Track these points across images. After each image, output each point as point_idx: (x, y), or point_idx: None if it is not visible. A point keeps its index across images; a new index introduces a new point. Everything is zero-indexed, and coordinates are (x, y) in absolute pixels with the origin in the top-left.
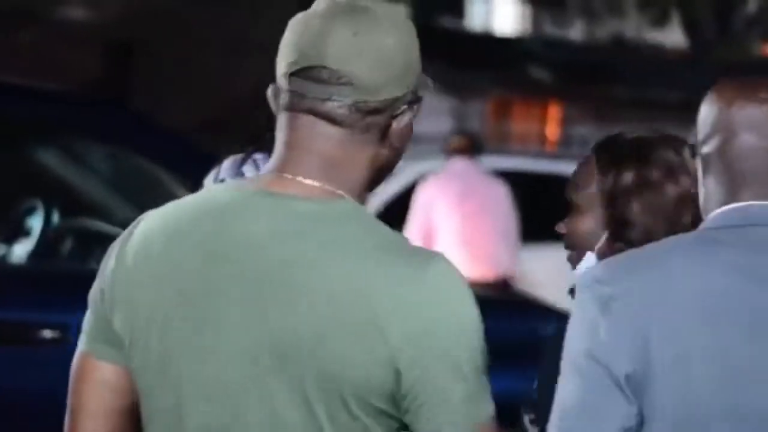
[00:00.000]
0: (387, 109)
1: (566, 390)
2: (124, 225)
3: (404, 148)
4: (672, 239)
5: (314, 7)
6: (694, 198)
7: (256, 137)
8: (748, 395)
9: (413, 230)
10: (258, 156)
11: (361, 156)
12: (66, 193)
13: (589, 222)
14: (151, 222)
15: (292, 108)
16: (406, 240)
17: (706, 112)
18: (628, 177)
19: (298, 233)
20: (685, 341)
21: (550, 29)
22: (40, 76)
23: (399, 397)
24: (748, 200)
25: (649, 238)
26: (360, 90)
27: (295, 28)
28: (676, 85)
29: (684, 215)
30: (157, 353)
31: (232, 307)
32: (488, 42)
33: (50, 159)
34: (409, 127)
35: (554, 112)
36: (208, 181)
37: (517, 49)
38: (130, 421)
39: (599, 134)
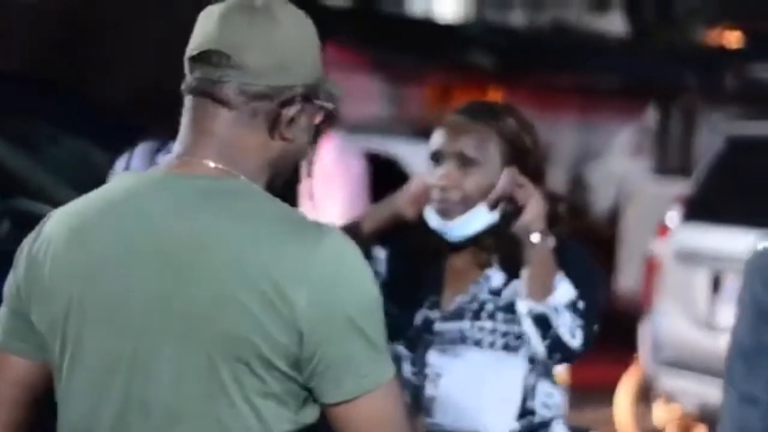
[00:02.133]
0: (273, 97)
1: None
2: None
3: (301, 143)
4: None
5: (224, 2)
6: None
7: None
8: None
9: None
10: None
11: (252, 141)
12: (2, 174)
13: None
14: (60, 216)
15: (191, 91)
16: (301, 214)
17: None
18: None
19: (198, 208)
20: None
21: (491, 15)
22: None
23: (303, 360)
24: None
25: None
26: (245, 73)
27: (201, 17)
28: (616, 71)
29: None
30: (74, 337)
31: (141, 283)
32: (429, 27)
33: None
34: (306, 123)
35: (495, 97)
36: (119, 165)
37: (458, 35)
38: (34, 412)
39: (540, 119)
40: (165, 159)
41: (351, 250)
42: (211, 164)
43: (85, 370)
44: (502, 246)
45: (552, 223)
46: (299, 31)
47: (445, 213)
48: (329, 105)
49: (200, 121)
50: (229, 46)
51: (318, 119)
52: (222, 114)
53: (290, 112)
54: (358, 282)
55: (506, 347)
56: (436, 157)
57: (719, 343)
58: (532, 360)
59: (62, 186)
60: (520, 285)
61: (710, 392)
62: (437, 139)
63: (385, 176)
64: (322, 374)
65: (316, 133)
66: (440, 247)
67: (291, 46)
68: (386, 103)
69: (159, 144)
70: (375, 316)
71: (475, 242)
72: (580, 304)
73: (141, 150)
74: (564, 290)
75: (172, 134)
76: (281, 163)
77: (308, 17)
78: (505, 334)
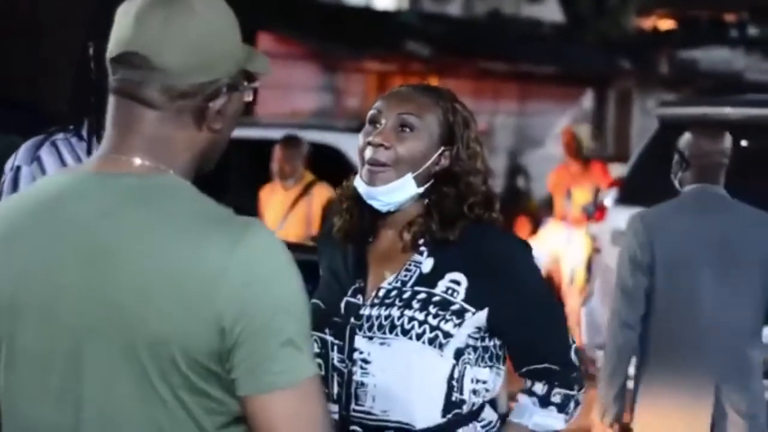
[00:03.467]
0: (197, 94)
1: None
2: None
3: (228, 131)
4: None
5: None
6: None
7: (71, 118)
8: None
9: None
10: (59, 137)
11: (179, 137)
12: None
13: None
14: None
15: (115, 91)
16: (226, 210)
17: None
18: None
19: (123, 208)
20: None
21: (428, 4)
22: None
23: (225, 355)
24: None
25: None
26: (167, 75)
27: (118, 16)
28: (552, 59)
29: None
30: (6, 338)
31: (69, 284)
32: (366, 16)
33: None
34: (233, 111)
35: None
36: (7, 166)
37: (395, 24)
38: None
39: (478, 107)
40: (56, 156)
41: (274, 245)
42: (138, 161)
43: (21, 373)
44: (432, 228)
45: (487, 220)
46: (219, 19)
47: (374, 177)
48: (255, 86)
49: (125, 121)
50: (148, 47)
51: (244, 100)
52: (147, 114)
53: (217, 105)
54: (280, 277)
55: (433, 342)
56: (374, 120)
57: None
58: (458, 355)
59: None
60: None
61: None
62: (378, 103)
63: (329, 166)
64: (240, 368)
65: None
66: (367, 229)
67: (212, 38)
68: (323, 92)
69: (43, 138)
70: (296, 312)
71: (404, 225)
72: (556, 398)
73: (26, 146)
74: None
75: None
76: (209, 153)
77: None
78: (434, 329)
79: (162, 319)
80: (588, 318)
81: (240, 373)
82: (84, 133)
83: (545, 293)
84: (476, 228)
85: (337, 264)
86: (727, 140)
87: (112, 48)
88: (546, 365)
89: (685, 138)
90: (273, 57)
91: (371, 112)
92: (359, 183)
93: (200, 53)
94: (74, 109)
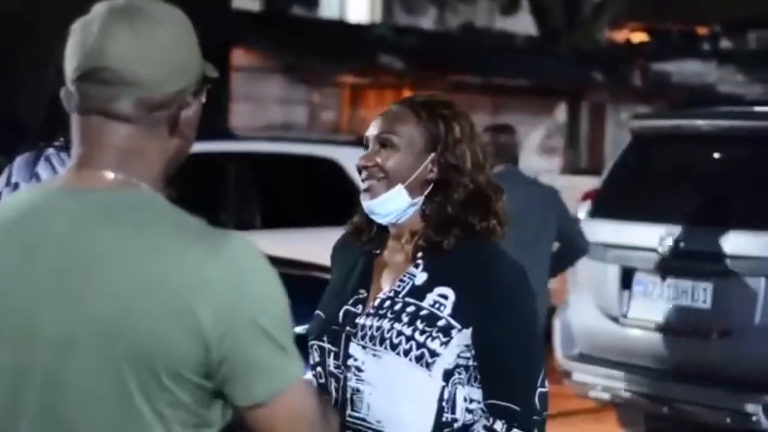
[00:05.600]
0: (172, 102)
1: None
2: None
3: (194, 135)
4: None
5: (92, 11)
6: None
7: (47, 134)
8: None
9: None
10: (50, 152)
11: (154, 148)
12: None
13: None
14: None
15: (82, 111)
16: (201, 222)
17: None
18: None
19: (98, 222)
20: None
21: (401, 17)
22: None
23: (212, 368)
24: None
25: None
26: (142, 87)
27: (76, 34)
28: (525, 72)
29: None
30: None
31: (46, 299)
32: (340, 30)
33: None
34: (197, 114)
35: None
36: (1, 181)
37: (369, 37)
38: None
39: None
40: (52, 172)
41: (252, 254)
42: (111, 175)
43: (0, 388)
44: (427, 241)
45: (487, 235)
46: (180, 26)
47: (368, 192)
48: (208, 88)
49: (95, 137)
50: (119, 61)
51: (200, 106)
52: (119, 129)
53: (189, 112)
54: (261, 285)
55: (419, 360)
56: (366, 144)
57: (629, 336)
58: (447, 376)
59: None
60: None
61: (620, 384)
62: (369, 127)
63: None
64: (231, 379)
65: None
66: (375, 241)
67: (179, 46)
68: (297, 105)
69: (36, 154)
70: (280, 317)
71: (407, 236)
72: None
73: (19, 162)
74: None
75: (53, 142)
76: (176, 160)
77: (176, 8)
78: (420, 346)
79: (144, 332)
80: (562, 330)
81: (231, 386)
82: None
83: (531, 328)
84: (474, 244)
85: (344, 276)
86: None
87: (76, 66)
88: (509, 404)
89: None
90: (247, 71)
91: (365, 135)
92: (362, 199)
93: (170, 62)
94: (50, 123)
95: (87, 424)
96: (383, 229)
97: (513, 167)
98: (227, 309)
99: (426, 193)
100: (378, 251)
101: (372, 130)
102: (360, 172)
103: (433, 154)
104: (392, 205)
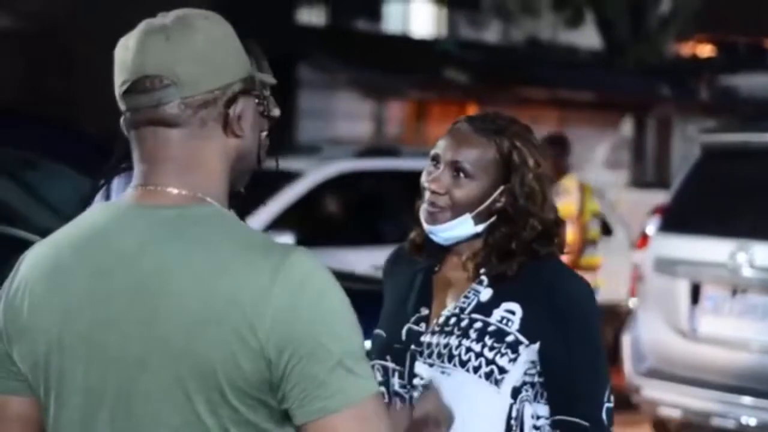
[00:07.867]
0: (216, 101)
1: None
2: (42, 232)
3: (254, 135)
4: None
5: (131, 32)
6: None
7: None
8: None
9: None
10: None
11: (209, 150)
12: None
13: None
14: (34, 257)
15: (134, 125)
16: (266, 237)
17: None
18: None
19: (164, 240)
20: None
21: (465, 31)
22: None
23: (274, 384)
24: None
25: None
26: (182, 87)
27: (117, 54)
28: (590, 86)
29: None
30: (56, 374)
31: (116, 318)
32: (405, 44)
33: None
34: (252, 114)
35: (471, 113)
36: (98, 199)
37: (434, 51)
38: None
39: None
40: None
41: (315, 270)
42: (174, 191)
43: (71, 408)
44: (491, 262)
45: (545, 254)
46: (217, 30)
47: (432, 217)
48: (266, 93)
49: (153, 150)
50: (158, 67)
51: (261, 110)
52: (172, 135)
53: (237, 109)
54: (324, 301)
55: (489, 377)
56: (435, 158)
57: (700, 352)
58: (516, 393)
59: (42, 211)
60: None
61: (691, 401)
62: (440, 143)
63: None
64: (291, 396)
65: (264, 124)
66: (434, 258)
67: (215, 45)
68: (364, 120)
69: (128, 176)
70: (344, 334)
71: (468, 255)
72: None
73: (118, 184)
74: None
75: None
76: (239, 163)
77: (218, 15)
78: (490, 363)
79: (208, 350)
80: (632, 346)
81: (292, 403)
82: None
83: (598, 343)
84: (538, 262)
85: (402, 293)
86: None
87: (120, 83)
88: (577, 420)
89: None
90: (314, 85)
91: (433, 150)
92: (421, 215)
93: (208, 61)
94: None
95: None
96: (442, 246)
97: None
98: (288, 324)
99: (491, 221)
100: (437, 268)
101: (445, 153)
102: (423, 190)
103: (503, 186)
104: (457, 233)
